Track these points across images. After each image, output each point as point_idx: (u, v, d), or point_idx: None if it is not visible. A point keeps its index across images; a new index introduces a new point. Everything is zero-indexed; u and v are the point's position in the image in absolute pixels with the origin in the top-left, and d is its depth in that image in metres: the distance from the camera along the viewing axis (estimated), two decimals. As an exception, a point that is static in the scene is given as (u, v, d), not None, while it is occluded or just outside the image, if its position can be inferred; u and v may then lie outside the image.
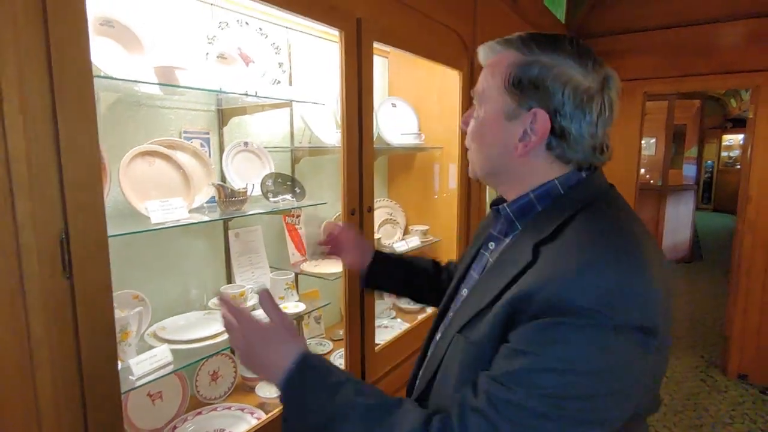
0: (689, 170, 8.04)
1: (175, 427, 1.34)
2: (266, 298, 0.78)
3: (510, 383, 0.58)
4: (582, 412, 0.56)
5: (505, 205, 0.78)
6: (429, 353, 0.85)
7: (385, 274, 1.19)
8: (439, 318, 0.91)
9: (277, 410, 1.38)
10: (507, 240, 0.79)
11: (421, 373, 0.85)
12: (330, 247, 1.19)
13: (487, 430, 0.57)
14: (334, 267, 1.75)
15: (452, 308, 0.87)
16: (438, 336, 0.85)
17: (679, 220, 6.77)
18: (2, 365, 0.78)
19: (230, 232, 1.62)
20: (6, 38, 0.73)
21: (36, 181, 0.78)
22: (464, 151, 1.02)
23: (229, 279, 1.65)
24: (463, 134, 0.85)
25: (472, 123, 0.79)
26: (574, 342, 0.56)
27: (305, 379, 0.70)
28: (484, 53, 0.78)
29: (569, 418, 0.56)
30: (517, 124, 0.72)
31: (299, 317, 1.77)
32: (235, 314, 0.78)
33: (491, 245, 0.83)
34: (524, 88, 0.70)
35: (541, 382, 0.56)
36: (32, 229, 0.78)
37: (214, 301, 1.51)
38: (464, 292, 0.85)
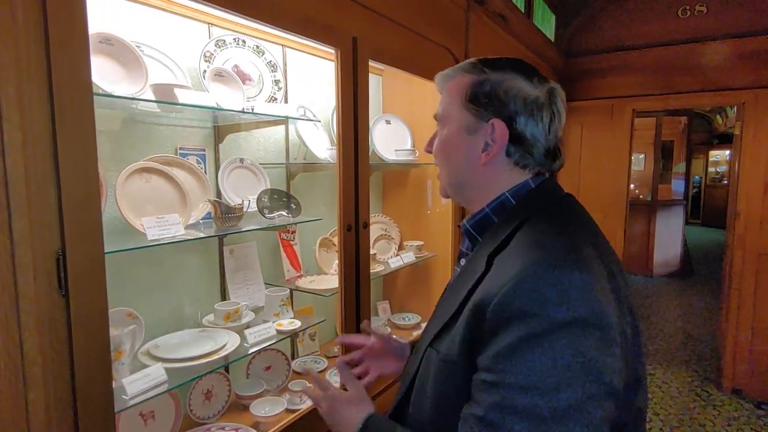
0: (678, 185, 8.16)
1: (167, 448, 1.31)
2: (343, 369, 0.93)
3: (495, 419, 0.59)
4: (569, 417, 0.57)
5: (464, 221, 0.83)
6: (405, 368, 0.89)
7: None
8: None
9: (271, 430, 1.36)
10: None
11: (399, 385, 0.87)
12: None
13: None
14: (329, 283, 1.75)
15: None
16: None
17: (669, 235, 6.85)
18: (-6, 386, 0.77)
19: (225, 249, 1.62)
20: (7, 56, 0.74)
21: (34, 199, 0.78)
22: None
23: (224, 296, 1.64)
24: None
25: (436, 143, 0.85)
26: (535, 359, 0.58)
27: None
28: (440, 81, 0.86)
29: (562, 425, 0.57)
30: (478, 137, 0.78)
31: (294, 334, 1.76)
32: (320, 386, 0.93)
33: (462, 261, 0.87)
34: (480, 103, 0.77)
35: (519, 406, 0.58)
36: (29, 246, 0.78)
37: (209, 318, 1.50)
38: None
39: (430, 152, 0.88)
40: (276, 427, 1.36)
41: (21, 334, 0.78)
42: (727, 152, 11.18)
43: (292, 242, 1.87)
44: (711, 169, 11.91)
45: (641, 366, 0.74)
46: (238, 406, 1.55)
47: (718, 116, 9.68)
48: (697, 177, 11.81)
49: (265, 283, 1.74)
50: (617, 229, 3.64)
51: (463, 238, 0.87)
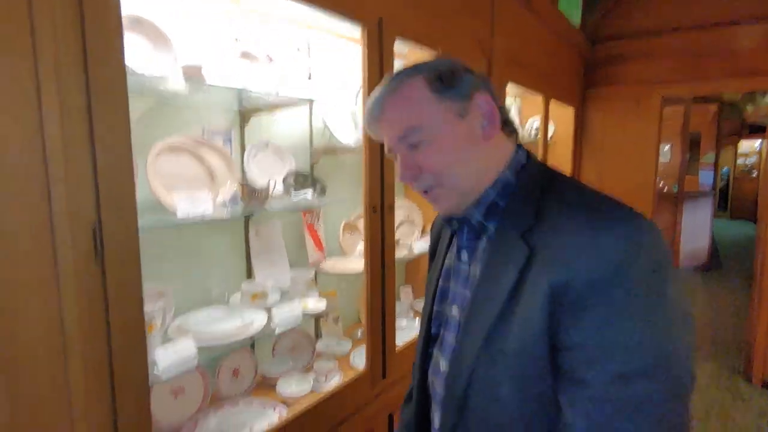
0: (705, 177, 7.93)
1: (196, 423, 1.34)
2: None
3: (619, 389, 0.57)
4: (684, 357, 0.59)
5: (471, 215, 0.76)
6: (439, 386, 0.80)
7: None
8: (429, 344, 0.87)
9: (298, 408, 1.37)
10: (482, 243, 0.77)
11: (440, 406, 0.77)
12: None
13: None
14: (353, 266, 1.75)
15: (448, 330, 0.82)
16: (444, 363, 0.79)
17: (696, 227, 6.66)
18: (36, 355, 0.79)
19: (251, 229, 1.63)
20: (45, 35, 0.75)
21: (71, 172, 0.79)
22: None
23: (250, 275, 1.65)
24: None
25: (431, 158, 0.71)
26: (648, 314, 0.58)
27: None
28: (382, 102, 0.73)
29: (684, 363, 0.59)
30: (470, 117, 0.71)
31: (319, 316, 1.77)
32: None
33: (464, 256, 0.80)
34: (452, 83, 0.70)
35: (641, 367, 0.57)
36: (66, 217, 0.79)
37: (236, 297, 1.52)
38: (455, 311, 0.80)
39: (412, 179, 0.75)
40: (303, 406, 1.37)
41: (60, 303, 0.80)
42: (757, 143, 10.80)
43: (316, 225, 1.87)
44: (740, 161, 11.52)
45: None
46: (265, 385, 1.57)
47: (748, 105, 9.34)
48: (725, 168, 11.45)
49: (290, 266, 1.75)
50: (643, 219, 3.54)
51: (459, 231, 0.80)
